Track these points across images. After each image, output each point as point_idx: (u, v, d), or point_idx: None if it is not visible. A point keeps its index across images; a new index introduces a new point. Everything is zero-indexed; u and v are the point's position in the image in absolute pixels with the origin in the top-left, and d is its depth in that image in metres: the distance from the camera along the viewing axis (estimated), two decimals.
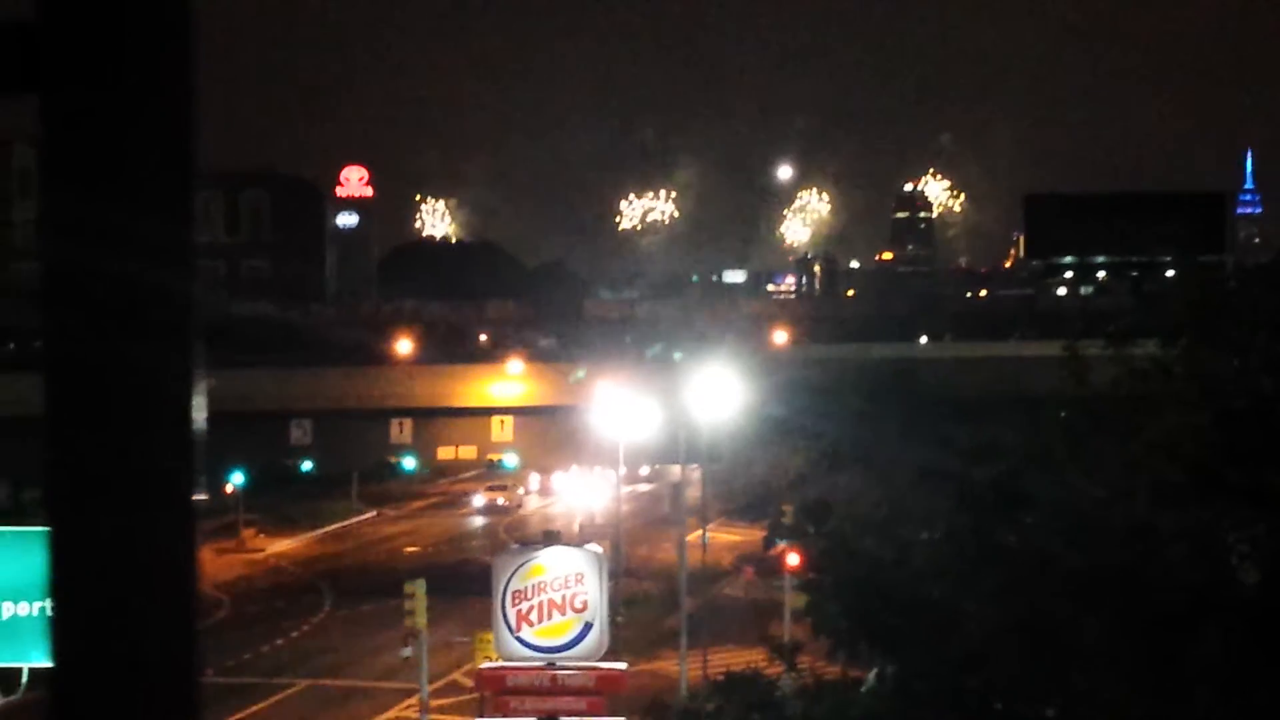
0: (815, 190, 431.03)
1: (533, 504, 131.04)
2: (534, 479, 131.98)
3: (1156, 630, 22.25)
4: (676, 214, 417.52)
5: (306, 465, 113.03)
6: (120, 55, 3.27)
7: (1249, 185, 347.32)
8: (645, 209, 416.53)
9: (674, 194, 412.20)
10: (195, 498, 3.36)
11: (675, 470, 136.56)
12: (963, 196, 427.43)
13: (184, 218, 3.39)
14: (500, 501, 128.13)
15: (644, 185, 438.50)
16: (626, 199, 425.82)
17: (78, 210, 3.30)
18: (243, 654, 71.42)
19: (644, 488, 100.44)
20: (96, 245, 3.30)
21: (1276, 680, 21.59)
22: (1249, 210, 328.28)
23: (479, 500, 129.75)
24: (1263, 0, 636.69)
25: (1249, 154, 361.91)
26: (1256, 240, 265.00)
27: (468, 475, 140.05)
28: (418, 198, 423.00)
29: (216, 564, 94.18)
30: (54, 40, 3.29)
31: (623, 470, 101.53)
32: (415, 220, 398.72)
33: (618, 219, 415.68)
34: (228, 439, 77.38)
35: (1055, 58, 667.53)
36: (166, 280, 3.34)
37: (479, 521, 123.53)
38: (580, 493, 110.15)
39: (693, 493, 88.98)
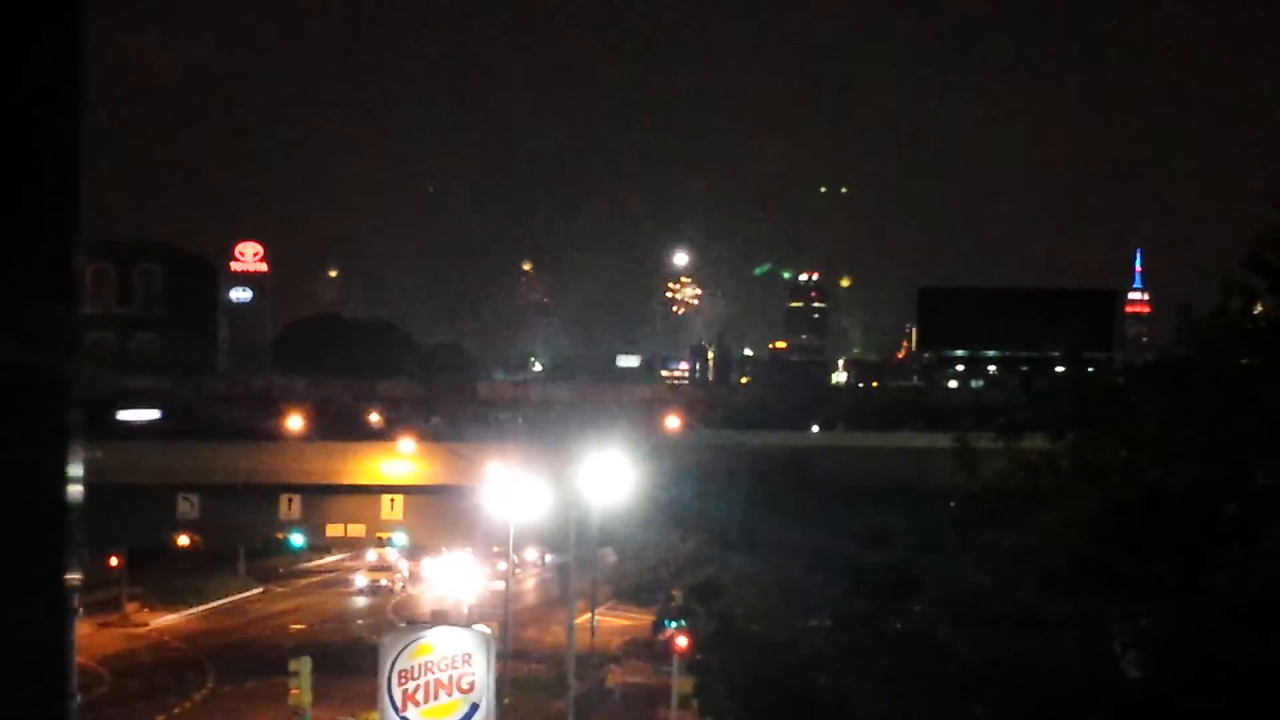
0: (710, 277, 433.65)
1: (411, 588, 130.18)
2: (404, 565, 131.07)
3: (1044, 719, 22.42)
4: (558, 290, 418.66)
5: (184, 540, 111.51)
6: (3, 132, 3.26)
7: (1137, 284, 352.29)
8: (534, 284, 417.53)
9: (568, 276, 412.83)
10: (69, 575, 3.32)
11: (532, 566, 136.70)
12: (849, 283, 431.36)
13: (66, 295, 3.34)
14: (384, 582, 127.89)
15: (539, 268, 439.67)
16: (520, 278, 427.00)
17: None
18: None
19: (498, 584, 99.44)
20: None
21: None
22: (1139, 310, 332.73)
23: (361, 580, 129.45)
24: (1155, 104, 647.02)
25: (1138, 254, 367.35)
26: (1145, 339, 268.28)
27: (337, 557, 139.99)
28: (333, 273, 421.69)
29: (98, 638, 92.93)
30: None
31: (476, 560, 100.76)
32: (319, 292, 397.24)
33: (512, 287, 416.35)
34: (113, 512, 76.51)
35: (953, 154, 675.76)
36: (43, 357, 3.31)
37: (368, 600, 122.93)
38: (452, 579, 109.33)
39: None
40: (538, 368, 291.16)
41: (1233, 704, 20.97)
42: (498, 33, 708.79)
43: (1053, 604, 22.63)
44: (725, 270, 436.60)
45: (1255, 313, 24.17)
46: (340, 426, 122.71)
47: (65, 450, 3.23)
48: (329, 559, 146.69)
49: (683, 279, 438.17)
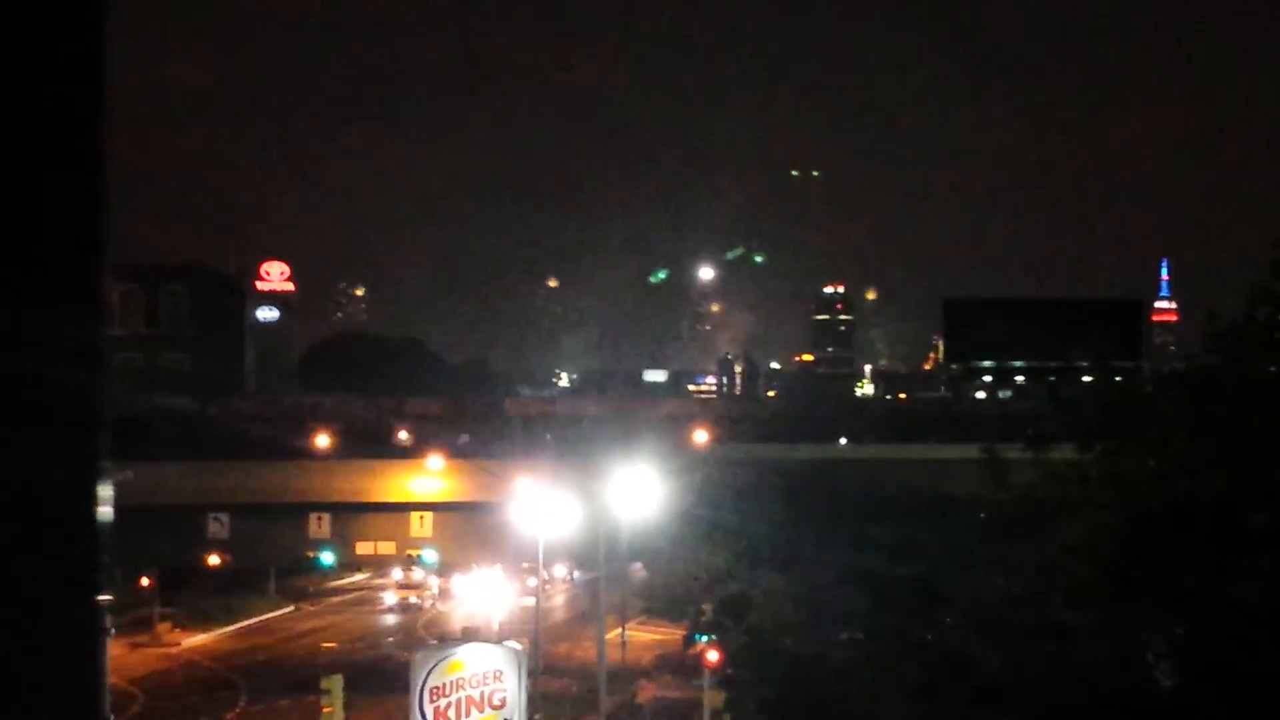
0: (737, 291, 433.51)
1: (441, 605, 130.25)
2: (434, 582, 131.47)
3: None
4: (583, 307, 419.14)
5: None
6: (27, 150, 3.26)
7: (1165, 293, 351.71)
8: (560, 300, 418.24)
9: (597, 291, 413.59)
10: (100, 596, 3.32)
11: (561, 583, 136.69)
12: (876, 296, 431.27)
13: (93, 313, 3.34)
14: (414, 600, 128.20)
15: (564, 284, 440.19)
16: (545, 294, 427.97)
17: None
18: None
19: (528, 600, 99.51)
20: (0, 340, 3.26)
21: None
22: (1166, 319, 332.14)
23: (391, 598, 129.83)
24: (1177, 113, 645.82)
25: (1165, 263, 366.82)
26: (1172, 347, 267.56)
27: (362, 575, 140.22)
28: (343, 285, 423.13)
29: (131, 658, 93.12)
30: None
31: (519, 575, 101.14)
32: (334, 309, 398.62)
33: (539, 302, 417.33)
34: (144, 533, 76.70)
35: (977, 162, 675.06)
36: (71, 376, 3.31)
37: (398, 617, 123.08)
38: (482, 595, 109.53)
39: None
40: (563, 382, 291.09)
41: (1266, 714, 20.92)
42: (507, 38, 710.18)
43: (1081, 614, 22.60)
44: (750, 284, 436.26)
45: None
46: (368, 444, 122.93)
47: (95, 471, 3.23)
48: (357, 577, 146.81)
49: (707, 292, 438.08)
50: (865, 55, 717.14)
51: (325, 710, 58.15)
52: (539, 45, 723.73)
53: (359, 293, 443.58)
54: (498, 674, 44.54)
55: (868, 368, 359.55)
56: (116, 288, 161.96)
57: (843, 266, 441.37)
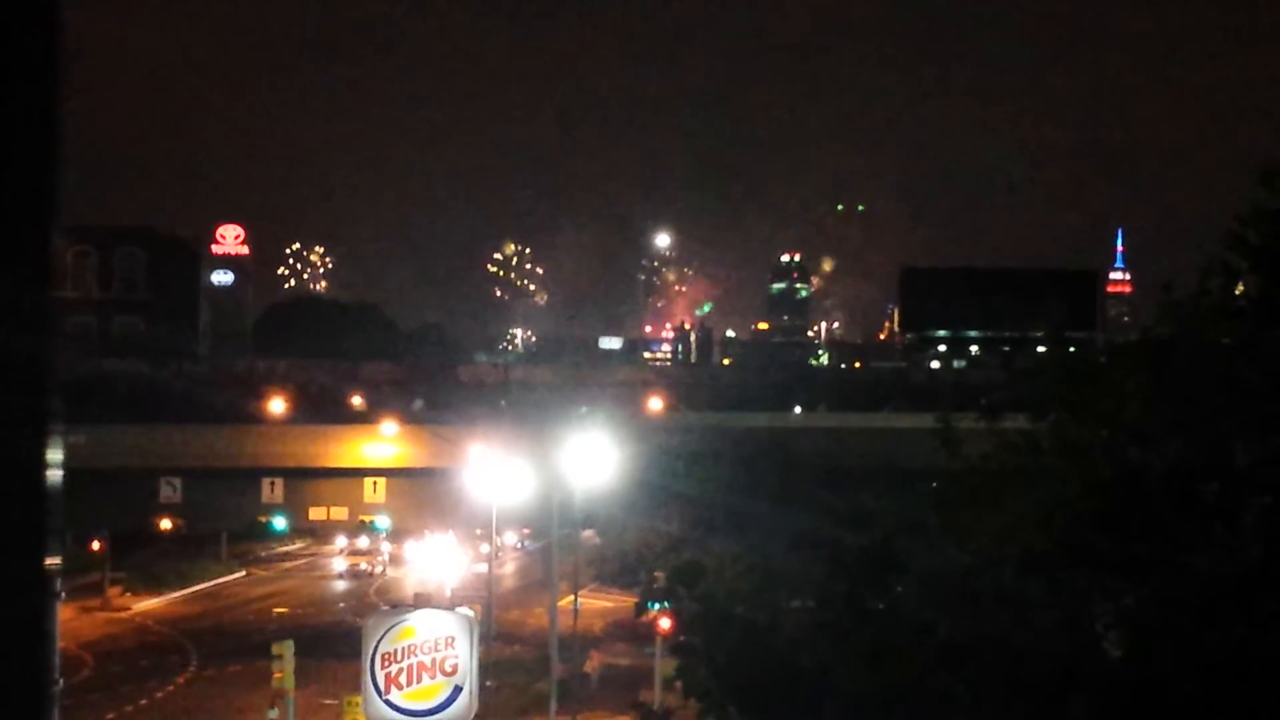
0: (693, 259, 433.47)
1: (393, 571, 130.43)
2: (386, 548, 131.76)
3: (1025, 698, 22.48)
4: (540, 271, 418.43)
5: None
6: None
7: (1119, 264, 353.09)
8: (516, 266, 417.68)
9: (557, 259, 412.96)
10: (49, 559, 3.27)
11: (511, 550, 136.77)
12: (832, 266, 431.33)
13: (44, 275, 3.28)
14: (363, 566, 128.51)
15: (521, 251, 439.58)
16: (498, 255, 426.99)
17: None
18: (105, 714, 70.42)
19: (480, 567, 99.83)
20: None
21: None
22: (1121, 290, 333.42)
23: (340, 565, 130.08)
24: (1134, 85, 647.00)
25: (1120, 233, 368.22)
26: (1126, 319, 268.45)
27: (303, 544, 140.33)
28: (295, 246, 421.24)
29: (81, 622, 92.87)
30: None
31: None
32: (284, 272, 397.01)
33: (493, 269, 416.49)
34: (95, 496, 76.38)
35: (933, 132, 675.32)
36: (22, 338, 3.25)
37: (349, 583, 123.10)
38: (434, 561, 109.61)
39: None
40: (518, 347, 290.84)
41: (1214, 683, 21.03)
42: (485, 10, 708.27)
43: (1033, 584, 22.69)
44: (708, 252, 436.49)
45: (1237, 292, 24.20)
46: (322, 409, 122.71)
47: (45, 434, 3.17)
48: (299, 544, 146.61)
49: (665, 260, 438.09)
50: (819, 29, 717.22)
51: (276, 676, 58.02)
52: (493, 19, 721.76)
53: (315, 256, 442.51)
54: (449, 640, 44.53)
55: (822, 330, 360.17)
56: (69, 249, 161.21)
57: (800, 234, 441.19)
